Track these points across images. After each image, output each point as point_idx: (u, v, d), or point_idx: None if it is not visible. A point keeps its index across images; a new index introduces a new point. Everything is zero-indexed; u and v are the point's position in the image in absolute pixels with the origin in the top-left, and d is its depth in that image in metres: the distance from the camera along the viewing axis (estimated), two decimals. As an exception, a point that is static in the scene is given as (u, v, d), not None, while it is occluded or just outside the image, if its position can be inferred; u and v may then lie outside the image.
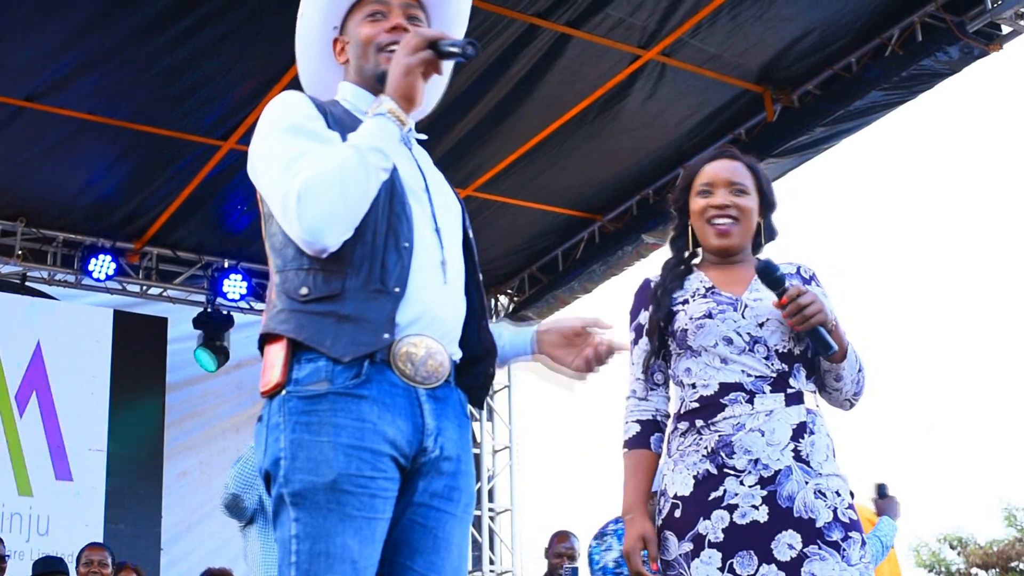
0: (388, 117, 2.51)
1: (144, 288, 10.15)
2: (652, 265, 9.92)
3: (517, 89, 8.18)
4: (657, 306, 3.16)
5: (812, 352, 3.04)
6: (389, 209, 2.51)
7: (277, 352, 2.48)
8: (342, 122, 2.60)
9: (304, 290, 2.47)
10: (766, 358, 3.00)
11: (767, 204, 3.23)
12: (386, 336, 2.44)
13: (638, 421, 3.15)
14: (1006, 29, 7.57)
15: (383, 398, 2.44)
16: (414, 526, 2.51)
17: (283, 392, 2.44)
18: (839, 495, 2.94)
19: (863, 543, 2.93)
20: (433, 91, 2.89)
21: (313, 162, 2.44)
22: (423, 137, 2.81)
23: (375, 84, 2.67)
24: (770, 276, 2.93)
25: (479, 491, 11.02)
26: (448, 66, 2.73)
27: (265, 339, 2.53)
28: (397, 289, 2.47)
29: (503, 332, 2.89)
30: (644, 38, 7.78)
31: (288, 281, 2.50)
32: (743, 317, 3.02)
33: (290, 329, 2.46)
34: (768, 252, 3.28)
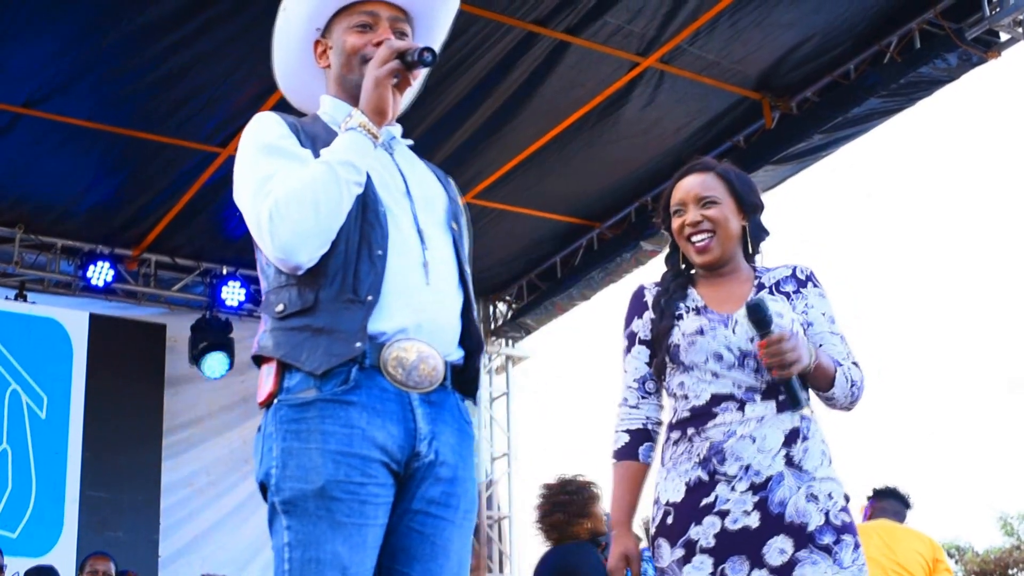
0: (359, 131, 2.52)
1: (142, 294, 10.13)
2: (651, 272, 9.93)
3: (515, 96, 8.18)
4: (661, 314, 3.15)
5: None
6: (362, 218, 2.52)
7: (270, 364, 2.50)
8: (317, 138, 2.59)
9: (280, 307, 2.50)
10: (756, 371, 2.99)
11: (747, 207, 3.21)
12: (358, 345, 2.44)
13: (627, 431, 3.15)
14: (1004, 36, 7.57)
15: (373, 404, 2.44)
16: (411, 533, 2.50)
17: (275, 401, 2.46)
18: (831, 498, 2.94)
19: (856, 545, 2.92)
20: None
21: (283, 181, 2.46)
22: (409, 142, 2.79)
23: (358, 95, 2.65)
24: (758, 317, 2.90)
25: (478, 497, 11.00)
26: (421, 75, 2.75)
27: (259, 357, 2.56)
28: (370, 298, 2.47)
29: None
30: (643, 45, 7.78)
31: (268, 302, 2.54)
32: (733, 333, 3.01)
33: (270, 348, 2.49)
34: (764, 255, 3.27)
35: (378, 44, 2.65)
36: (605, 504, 5.53)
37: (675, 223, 3.21)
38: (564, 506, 5.54)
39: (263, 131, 2.61)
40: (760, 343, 2.89)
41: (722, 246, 3.15)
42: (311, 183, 2.44)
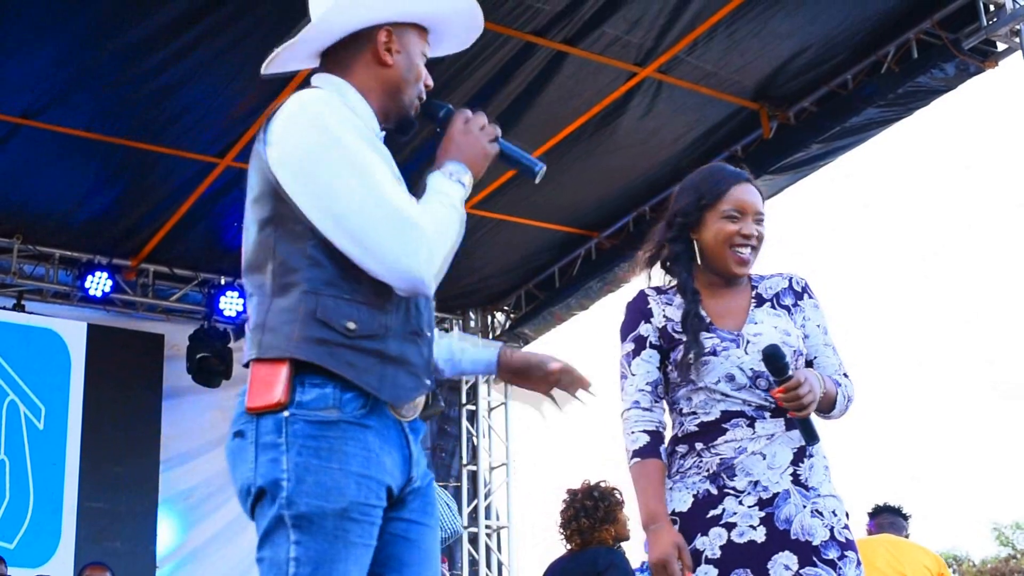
0: (465, 188, 2.56)
1: (140, 304, 10.13)
2: (649, 282, 9.92)
3: (514, 106, 8.18)
4: (694, 337, 3.09)
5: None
6: None
7: (276, 371, 2.42)
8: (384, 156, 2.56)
9: (352, 324, 2.42)
10: (766, 390, 3.01)
11: None
12: (428, 382, 2.50)
13: (646, 431, 3.10)
14: (1001, 46, 7.59)
15: (382, 429, 2.46)
16: (398, 540, 2.54)
17: (284, 413, 2.40)
18: (835, 514, 2.98)
19: (858, 563, 2.96)
20: None
21: (430, 205, 2.46)
22: None
23: (394, 113, 2.65)
24: (775, 363, 2.91)
25: (476, 508, 11.02)
26: None
27: (261, 358, 2.46)
28: (429, 334, 2.53)
29: (463, 346, 2.92)
30: (641, 55, 7.80)
31: (326, 309, 2.42)
32: (746, 353, 3.03)
33: (338, 364, 2.40)
34: (760, 266, 3.28)
35: (428, 86, 2.70)
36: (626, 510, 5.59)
37: (726, 228, 3.14)
38: (589, 511, 5.58)
39: (352, 124, 2.49)
40: (778, 388, 2.90)
41: (754, 263, 3.19)
42: (454, 221, 2.48)
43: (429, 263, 2.39)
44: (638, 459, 3.08)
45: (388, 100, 2.65)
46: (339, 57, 2.65)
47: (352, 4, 2.59)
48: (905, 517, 6.37)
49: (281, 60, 2.71)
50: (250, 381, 2.45)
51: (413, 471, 2.53)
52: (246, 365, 2.50)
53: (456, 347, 2.89)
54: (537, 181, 2.68)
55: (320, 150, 2.42)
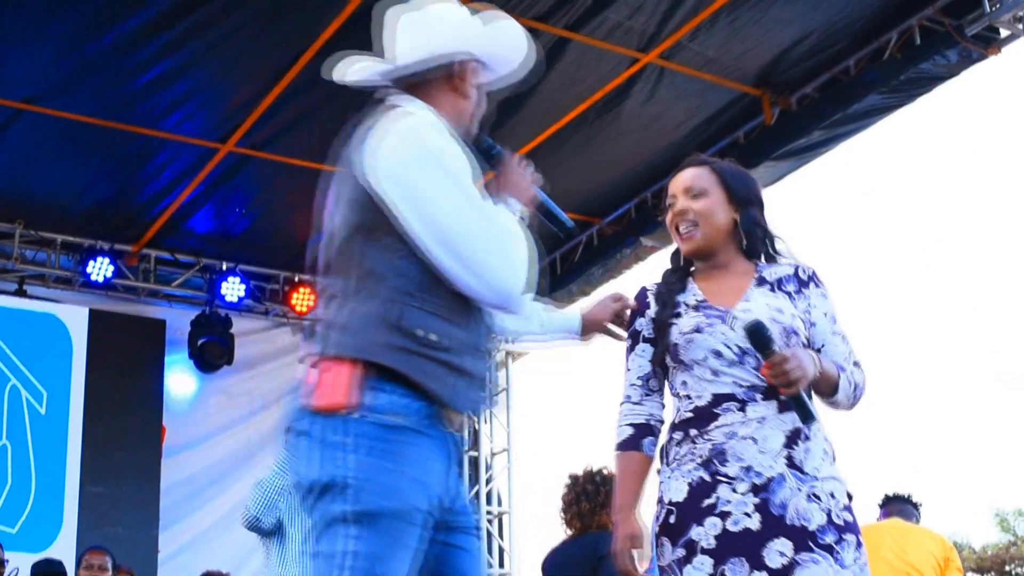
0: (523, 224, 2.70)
1: (142, 290, 10.14)
2: (650, 268, 9.93)
3: (515, 92, 8.14)
4: (663, 305, 3.18)
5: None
6: None
7: (347, 372, 2.50)
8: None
9: (432, 336, 2.54)
10: (756, 368, 2.99)
11: (738, 200, 3.21)
12: (487, 396, 2.63)
13: (631, 424, 3.17)
14: (1004, 32, 7.58)
15: (438, 439, 2.55)
16: (459, 552, 2.65)
17: (352, 414, 2.48)
18: (834, 497, 2.94)
19: (858, 544, 2.93)
20: None
21: (520, 234, 2.66)
22: None
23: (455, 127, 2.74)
24: (758, 337, 2.92)
25: (477, 493, 11.03)
26: None
27: (334, 356, 2.54)
28: (489, 350, 2.66)
29: (551, 315, 3.28)
30: (643, 41, 7.79)
31: (407, 318, 2.53)
32: (732, 329, 3.03)
33: (415, 372, 2.50)
34: (785, 248, 3.28)
35: None
36: None
37: (668, 215, 3.25)
38: (590, 496, 5.59)
39: (456, 151, 2.64)
40: (764, 365, 2.91)
41: (706, 237, 3.18)
42: (528, 251, 2.64)
43: (523, 282, 2.58)
44: (619, 452, 3.18)
45: (457, 128, 2.76)
46: (420, 82, 2.79)
47: (453, 36, 2.77)
48: (915, 506, 6.38)
49: (359, 74, 2.81)
50: (318, 379, 2.53)
51: (455, 481, 2.63)
52: (312, 363, 2.58)
53: (544, 316, 3.25)
54: (563, 236, 2.89)
55: (429, 171, 2.56)
